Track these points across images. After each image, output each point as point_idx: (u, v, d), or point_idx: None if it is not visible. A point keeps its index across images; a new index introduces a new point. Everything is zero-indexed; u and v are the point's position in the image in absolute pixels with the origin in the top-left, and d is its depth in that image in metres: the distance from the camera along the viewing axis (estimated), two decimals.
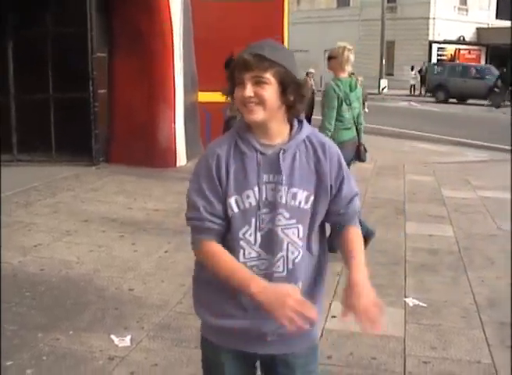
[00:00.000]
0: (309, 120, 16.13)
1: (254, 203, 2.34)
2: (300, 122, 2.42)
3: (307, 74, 17.36)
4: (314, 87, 17.24)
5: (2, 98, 12.29)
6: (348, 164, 6.24)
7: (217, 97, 11.28)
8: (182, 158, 12.18)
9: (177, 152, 12.08)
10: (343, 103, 6.62)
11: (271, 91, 2.27)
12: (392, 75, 47.00)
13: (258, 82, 2.26)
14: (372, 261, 6.44)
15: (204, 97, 12.76)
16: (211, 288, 2.46)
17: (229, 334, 2.47)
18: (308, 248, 2.43)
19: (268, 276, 2.38)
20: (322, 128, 6.51)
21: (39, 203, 9.05)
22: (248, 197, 2.34)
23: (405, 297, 5.76)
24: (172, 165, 11.91)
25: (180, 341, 4.77)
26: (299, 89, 2.32)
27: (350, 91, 6.69)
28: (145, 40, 11.56)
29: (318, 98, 8.29)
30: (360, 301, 2.27)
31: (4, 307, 5.31)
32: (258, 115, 2.29)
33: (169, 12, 11.62)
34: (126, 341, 4.75)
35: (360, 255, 2.44)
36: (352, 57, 6.75)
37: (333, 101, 6.60)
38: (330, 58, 6.84)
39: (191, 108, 12.65)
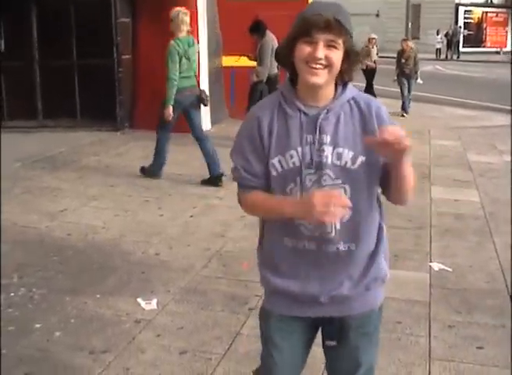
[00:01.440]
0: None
1: (297, 163, 2.34)
2: (345, 84, 2.39)
3: (369, 40, 16.85)
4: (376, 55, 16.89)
5: (27, 64, 12.33)
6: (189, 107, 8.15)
7: (242, 61, 11.12)
8: (206, 123, 12.13)
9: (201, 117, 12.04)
10: (183, 57, 7.99)
11: (339, 57, 2.27)
12: (418, 38, 46.42)
13: (330, 46, 2.24)
14: (397, 225, 6.44)
15: (229, 61, 12.72)
16: (271, 250, 2.52)
17: (285, 297, 2.49)
18: (357, 209, 2.36)
19: (317, 239, 2.39)
20: (168, 79, 7.93)
21: (65, 168, 9.11)
22: (292, 157, 2.34)
23: (430, 261, 5.75)
24: None
25: (206, 304, 4.80)
26: (358, 57, 2.35)
27: (189, 46, 8.09)
28: (168, 4, 11.47)
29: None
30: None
31: (31, 271, 5.39)
32: (322, 78, 2.28)
33: None
34: (153, 304, 4.80)
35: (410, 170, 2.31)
36: (187, 19, 8.13)
37: (175, 56, 7.95)
38: (170, 20, 8.15)
39: (215, 73, 12.60)
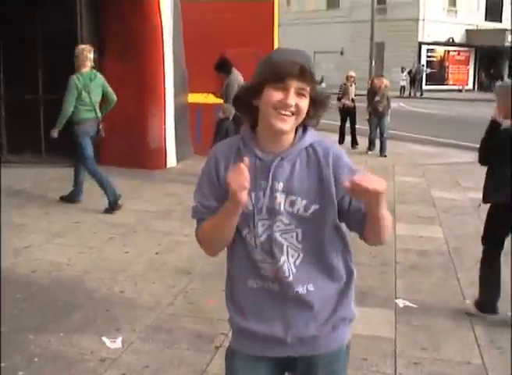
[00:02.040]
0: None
1: (250, 208, 2.36)
2: (305, 129, 2.41)
3: (348, 78, 16.32)
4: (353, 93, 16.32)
5: None
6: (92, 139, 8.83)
7: (208, 98, 11.20)
8: (172, 160, 12.17)
9: (167, 153, 12.07)
10: (83, 91, 8.53)
11: (307, 105, 2.30)
12: (382, 76, 47.01)
13: (300, 94, 2.27)
14: (362, 262, 6.47)
15: (195, 98, 12.78)
16: (235, 291, 2.53)
17: (251, 337, 2.49)
18: (311, 251, 2.40)
19: (277, 281, 2.41)
20: (62, 109, 8.53)
21: (29, 205, 9.03)
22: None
23: (395, 298, 5.78)
24: (162, 166, 11.90)
25: (172, 342, 4.77)
26: (323, 104, 2.37)
27: (90, 81, 8.64)
28: (135, 41, 11.53)
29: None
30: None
31: None
32: (289, 124, 2.30)
33: (159, 13, 11.60)
34: (118, 342, 4.75)
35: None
36: (90, 56, 8.71)
37: (73, 89, 8.51)
38: (75, 57, 8.69)
39: (181, 110, 12.64)
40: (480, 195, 5.44)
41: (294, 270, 2.39)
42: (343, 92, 16.11)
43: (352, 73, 16.69)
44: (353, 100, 16.12)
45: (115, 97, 8.98)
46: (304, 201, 2.34)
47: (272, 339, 2.45)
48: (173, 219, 8.19)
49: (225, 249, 2.51)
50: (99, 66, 12.03)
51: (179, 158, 12.22)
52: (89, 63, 8.70)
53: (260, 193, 2.35)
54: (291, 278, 2.39)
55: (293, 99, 2.26)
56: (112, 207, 8.60)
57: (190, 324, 5.11)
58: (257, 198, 2.35)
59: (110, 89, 8.97)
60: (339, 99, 16.04)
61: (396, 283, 6.20)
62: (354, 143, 15.94)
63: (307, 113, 2.33)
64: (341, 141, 15.84)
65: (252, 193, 2.34)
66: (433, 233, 7.98)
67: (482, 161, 5.37)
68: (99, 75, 8.89)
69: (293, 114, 2.29)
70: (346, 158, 2.40)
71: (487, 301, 5.44)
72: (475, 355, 4.70)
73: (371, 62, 38.19)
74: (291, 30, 45.29)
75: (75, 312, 5.30)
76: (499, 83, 6.96)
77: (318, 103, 2.34)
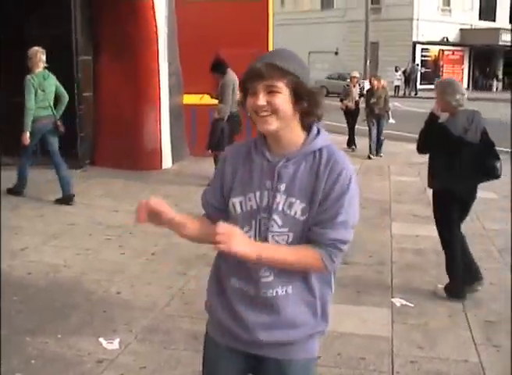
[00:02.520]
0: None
1: (254, 206, 2.39)
2: (319, 132, 2.40)
3: (352, 79, 15.91)
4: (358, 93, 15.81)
5: None
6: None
7: (203, 99, 11.21)
8: (167, 161, 12.18)
9: (163, 155, 12.08)
10: (38, 90, 8.94)
11: (283, 100, 2.28)
12: (378, 77, 47.02)
13: (271, 91, 2.27)
14: (359, 261, 6.49)
15: (190, 99, 12.78)
16: (220, 279, 2.57)
17: (226, 331, 2.52)
18: None
19: (255, 280, 2.42)
20: (25, 108, 8.86)
21: (25, 207, 9.03)
22: (250, 200, 2.41)
23: (392, 297, 5.80)
24: (157, 167, 11.92)
25: (168, 343, 4.78)
26: (313, 96, 2.33)
27: (44, 79, 9.04)
28: (130, 43, 11.54)
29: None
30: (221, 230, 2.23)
31: None
32: (272, 125, 2.31)
33: (154, 14, 11.61)
34: (115, 343, 4.76)
35: (281, 249, 2.35)
36: (43, 57, 9.10)
37: (30, 89, 8.87)
38: (29, 58, 9.09)
39: (177, 111, 12.65)
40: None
41: (277, 272, 2.40)
42: (346, 93, 15.74)
43: (355, 74, 16.20)
44: (356, 102, 15.68)
45: (67, 96, 9.46)
46: (303, 205, 2.35)
47: (245, 338, 2.46)
48: None
49: None
50: (94, 68, 12.10)
51: (175, 159, 12.23)
52: (42, 64, 9.11)
53: (265, 192, 2.38)
54: (271, 278, 2.41)
55: (261, 100, 2.27)
56: (15, 193, 9.56)
57: (187, 325, 5.11)
58: (261, 197, 2.39)
59: (62, 89, 9.39)
60: (341, 101, 15.82)
61: (392, 282, 6.22)
62: (352, 144, 15.67)
63: (301, 111, 2.32)
64: (350, 144, 15.68)
65: (257, 192, 2.39)
66: (429, 232, 7.94)
67: (420, 150, 5.97)
68: (51, 74, 9.26)
69: (272, 113, 2.29)
70: (345, 170, 2.35)
71: (453, 287, 5.77)
72: (472, 353, 4.71)
73: (365, 62, 38.21)
74: (286, 31, 45.31)
75: (72, 314, 5.30)
76: (439, 80, 7.55)
77: (304, 95, 2.30)
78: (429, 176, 5.98)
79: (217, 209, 2.53)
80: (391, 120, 15.26)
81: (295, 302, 2.44)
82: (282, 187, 2.36)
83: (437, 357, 4.64)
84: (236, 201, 2.43)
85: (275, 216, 2.36)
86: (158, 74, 11.82)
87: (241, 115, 10.07)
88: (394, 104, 33.56)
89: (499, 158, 5.70)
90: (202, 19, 12.73)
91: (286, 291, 2.42)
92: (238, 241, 2.21)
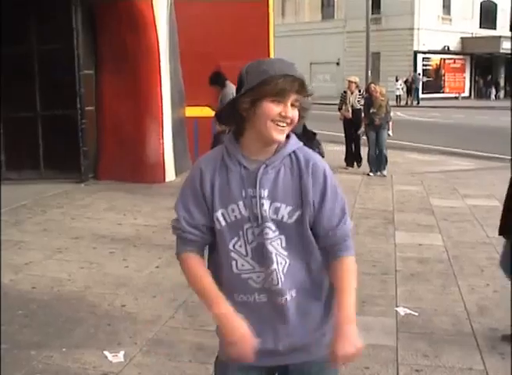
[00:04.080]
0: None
1: (239, 216, 2.39)
2: (287, 137, 2.43)
3: (349, 84, 14.16)
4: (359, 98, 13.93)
5: None
6: None
7: (205, 111, 11.20)
8: (170, 174, 12.19)
9: (165, 167, 12.09)
10: None
11: (298, 114, 2.35)
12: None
13: (293, 105, 2.32)
14: (362, 271, 6.48)
15: (192, 111, 12.81)
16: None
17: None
18: (297, 257, 2.43)
19: (265, 291, 2.42)
20: None
21: (29, 221, 9.04)
22: (233, 210, 2.39)
23: (396, 306, 5.79)
24: (160, 180, 11.92)
25: (173, 355, 4.77)
26: (305, 113, 2.41)
27: None
28: (132, 56, 11.58)
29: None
30: (339, 347, 2.32)
31: None
32: (284, 135, 2.36)
33: (155, 28, 11.65)
34: (120, 356, 4.75)
35: (348, 297, 2.42)
36: None
37: None
38: None
39: (179, 124, 12.68)
40: (478, 202, 5.51)
41: (283, 278, 2.41)
42: (342, 101, 14.16)
43: (352, 78, 14.50)
44: (357, 110, 13.80)
45: None
46: (289, 208, 2.38)
47: (262, 350, 2.41)
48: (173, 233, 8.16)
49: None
50: (96, 82, 12.14)
51: (178, 171, 12.25)
52: None
53: (247, 201, 2.38)
54: (280, 286, 2.41)
55: (291, 112, 2.31)
56: None
57: (192, 337, 5.11)
58: (245, 206, 2.38)
59: None
60: (339, 109, 14.38)
61: (396, 291, 6.21)
62: (354, 159, 14.31)
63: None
64: (349, 163, 14.25)
65: (240, 201, 2.38)
66: (433, 241, 7.98)
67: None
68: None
69: (288, 125, 2.34)
70: (324, 170, 2.43)
71: None
72: (477, 361, 4.70)
73: (367, 72, 38.28)
74: (287, 42, 45.36)
75: (76, 328, 5.30)
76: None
77: (301, 112, 2.38)
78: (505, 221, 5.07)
79: (208, 229, 2.45)
80: (390, 133, 13.46)
81: (307, 303, 2.45)
82: (266, 193, 2.37)
83: (442, 365, 4.63)
84: (219, 214, 2.40)
85: (268, 223, 2.37)
86: (160, 87, 11.85)
87: None
88: (396, 113, 33.63)
89: None
90: (203, 30, 12.74)
91: (292, 295, 2.43)
92: (350, 343, 2.32)
